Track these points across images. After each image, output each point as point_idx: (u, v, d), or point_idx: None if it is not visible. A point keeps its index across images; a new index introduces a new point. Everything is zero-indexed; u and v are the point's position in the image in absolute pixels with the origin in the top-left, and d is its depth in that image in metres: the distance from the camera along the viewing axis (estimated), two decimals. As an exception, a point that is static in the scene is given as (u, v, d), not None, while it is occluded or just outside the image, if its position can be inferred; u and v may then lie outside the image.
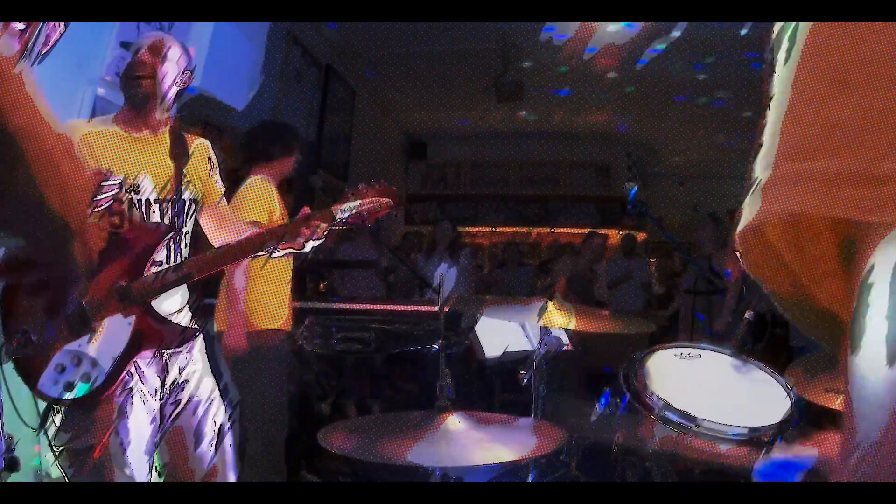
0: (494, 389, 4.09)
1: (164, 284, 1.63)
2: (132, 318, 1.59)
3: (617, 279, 6.37)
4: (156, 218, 1.76)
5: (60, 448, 1.58)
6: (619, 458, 1.89)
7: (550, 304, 2.02)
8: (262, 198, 2.65)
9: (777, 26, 0.43)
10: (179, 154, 1.84)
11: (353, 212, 1.80)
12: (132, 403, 1.63)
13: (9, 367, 1.52)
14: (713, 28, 5.14)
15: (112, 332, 1.57)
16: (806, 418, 1.84)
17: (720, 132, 8.14)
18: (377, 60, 6.43)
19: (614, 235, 9.27)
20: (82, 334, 1.54)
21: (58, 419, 1.57)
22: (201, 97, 3.61)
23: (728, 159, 9.65)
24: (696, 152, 9.10)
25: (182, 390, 1.79)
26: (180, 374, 1.79)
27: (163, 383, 1.74)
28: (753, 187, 0.39)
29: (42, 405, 1.57)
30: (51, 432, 1.58)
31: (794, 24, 0.41)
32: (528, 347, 2.73)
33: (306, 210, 1.81)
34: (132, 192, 1.74)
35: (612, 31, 5.07)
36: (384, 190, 1.87)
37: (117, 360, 1.57)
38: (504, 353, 2.77)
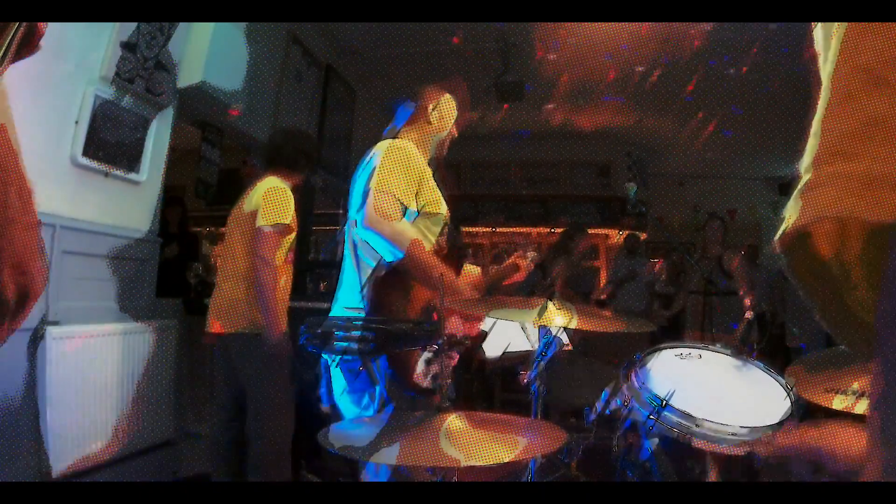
0: (494, 389, 4.09)
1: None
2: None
3: (620, 279, 6.36)
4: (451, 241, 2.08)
5: None
6: (618, 458, 1.89)
7: (550, 304, 2.02)
8: (286, 201, 2.73)
9: (817, 26, 0.43)
10: None
11: (534, 259, 2.28)
12: None
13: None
14: (714, 27, 5.14)
15: None
16: (806, 418, 1.84)
17: (720, 132, 8.13)
18: (377, 60, 6.42)
19: (614, 235, 9.28)
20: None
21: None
22: (202, 97, 3.62)
23: (728, 159, 9.64)
24: (696, 152, 9.08)
25: None
26: None
27: None
28: (797, 189, 0.39)
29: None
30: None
31: (831, 23, 0.40)
32: (528, 347, 2.73)
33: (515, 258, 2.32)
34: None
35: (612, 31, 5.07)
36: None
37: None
38: (504, 353, 2.77)
